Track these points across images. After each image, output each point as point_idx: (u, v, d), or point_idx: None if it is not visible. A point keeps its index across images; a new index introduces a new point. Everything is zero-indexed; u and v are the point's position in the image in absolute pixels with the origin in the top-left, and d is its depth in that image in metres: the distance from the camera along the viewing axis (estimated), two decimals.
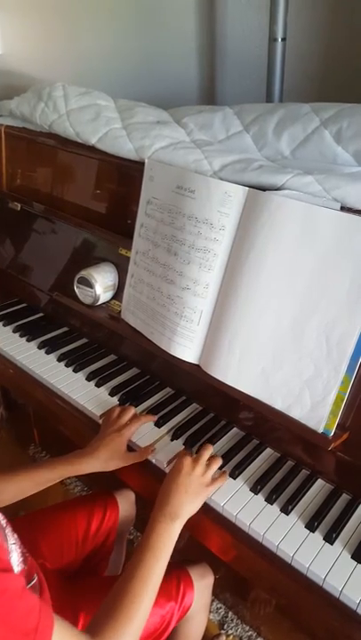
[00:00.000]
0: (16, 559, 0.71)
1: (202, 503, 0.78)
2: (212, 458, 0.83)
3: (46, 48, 1.73)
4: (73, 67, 1.67)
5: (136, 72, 1.54)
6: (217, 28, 1.36)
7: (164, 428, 0.95)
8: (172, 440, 0.92)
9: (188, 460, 0.79)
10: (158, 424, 0.95)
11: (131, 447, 0.91)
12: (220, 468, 0.85)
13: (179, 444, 0.92)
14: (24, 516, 0.99)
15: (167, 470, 0.87)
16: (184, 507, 0.75)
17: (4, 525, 0.67)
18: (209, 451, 0.83)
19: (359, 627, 0.67)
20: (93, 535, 0.98)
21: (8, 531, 0.68)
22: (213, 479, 0.80)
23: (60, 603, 0.79)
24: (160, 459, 0.88)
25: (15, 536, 0.71)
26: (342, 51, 1.17)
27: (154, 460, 0.88)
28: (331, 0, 1.14)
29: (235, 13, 1.31)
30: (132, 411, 0.94)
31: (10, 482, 0.83)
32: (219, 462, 0.83)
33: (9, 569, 0.58)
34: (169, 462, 0.87)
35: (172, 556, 0.73)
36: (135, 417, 0.93)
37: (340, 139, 0.87)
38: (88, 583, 0.91)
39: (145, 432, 0.93)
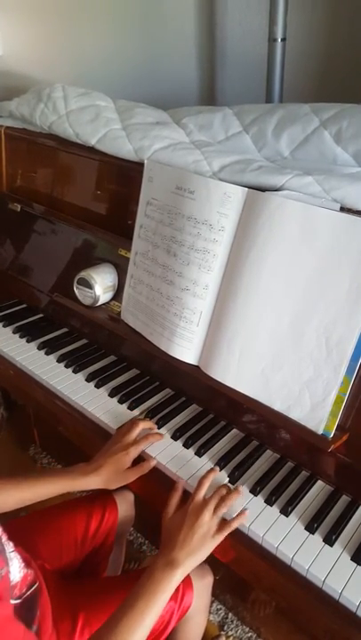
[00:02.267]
0: (17, 566, 0.71)
1: (209, 552, 0.74)
2: (225, 497, 0.77)
3: (46, 49, 1.73)
4: (73, 68, 1.67)
5: (136, 73, 1.54)
6: (217, 29, 1.36)
7: (164, 430, 0.94)
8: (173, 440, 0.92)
9: (194, 507, 0.75)
10: (158, 425, 0.95)
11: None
12: (221, 468, 0.85)
13: (179, 445, 0.91)
14: (23, 517, 0.99)
15: (168, 473, 0.87)
16: (186, 559, 0.71)
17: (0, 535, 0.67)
18: (220, 493, 0.78)
19: (359, 629, 0.67)
20: (92, 536, 0.98)
21: (4, 540, 0.68)
22: (222, 524, 0.75)
23: (59, 603, 0.79)
24: (160, 460, 0.88)
25: (11, 544, 0.71)
26: (342, 51, 1.17)
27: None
28: (330, 0, 1.14)
29: (234, 14, 1.31)
30: (141, 426, 0.91)
31: (12, 491, 0.82)
32: (230, 502, 0.77)
33: None
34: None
35: None
36: (144, 436, 0.90)
37: (340, 139, 0.86)
38: (87, 584, 0.91)
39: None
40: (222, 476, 0.85)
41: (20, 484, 0.83)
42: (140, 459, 0.89)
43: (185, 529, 0.73)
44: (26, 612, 0.70)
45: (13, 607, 0.65)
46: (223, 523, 0.75)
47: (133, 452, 0.87)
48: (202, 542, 0.73)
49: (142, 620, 0.65)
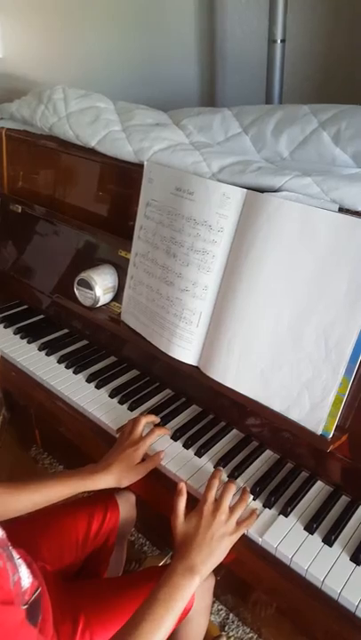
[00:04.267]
0: (25, 573, 0.70)
1: (226, 553, 0.73)
2: (238, 497, 0.78)
3: (47, 51, 1.74)
4: (74, 70, 1.68)
5: (137, 74, 1.54)
6: (217, 31, 1.37)
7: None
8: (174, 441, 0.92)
9: (208, 509, 0.74)
10: (159, 426, 0.95)
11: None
12: (225, 467, 0.85)
13: (179, 445, 0.91)
14: (24, 518, 0.99)
15: (168, 474, 0.87)
16: (206, 562, 0.70)
17: (8, 543, 0.67)
18: (231, 491, 0.77)
19: (358, 629, 0.67)
20: (94, 537, 0.98)
21: (11, 547, 0.68)
22: (239, 523, 0.75)
23: (60, 605, 0.80)
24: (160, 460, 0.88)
25: (14, 551, 0.71)
26: (341, 52, 1.17)
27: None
28: (330, 2, 1.15)
29: (234, 15, 1.32)
30: (143, 421, 0.91)
31: (22, 494, 0.82)
32: (245, 502, 0.77)
33: (9, 601, 0.56)
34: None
35: (172, 558, 0.72)
36: (151, 430, 0.90)
37: (339, 140, 0.87)
38: (88, 585, 0.91)
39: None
40: (222, 477, 0.85)
41: (29, 488, 0.83)
42: (146, 457, 0.89)
43: (202, 532, 0.72)
44: (30, 616, 0.70)
45: (25, 612, 0.66)
46: (238, 522, 0.75)
47: (143, 447, 0.87)
48: (220, 543, 0.72)
49: (161, 626, 0.64)
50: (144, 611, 0.65)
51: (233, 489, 0.78)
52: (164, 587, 0.68)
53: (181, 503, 0.78)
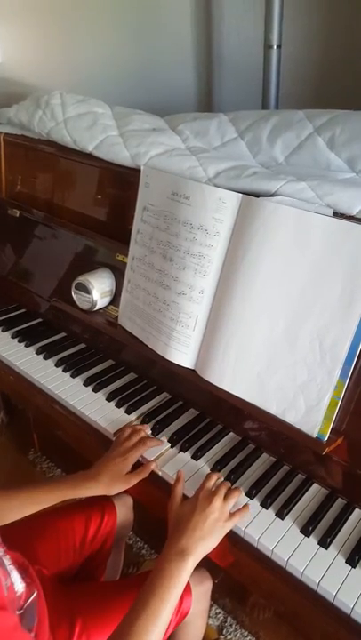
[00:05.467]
0: (18, 578, 0.70)
1: (218, 541, 0.73)
2: (231, 490, 0.79)
3: (45, 56, 1.75)
4: (72, 75, 1.69)
5: (134, 80, 1.55)
6: (214, 36, 1.38)
7: (161, 434, 0.95)
8: (171, 446, 0.93)
9: (204, 494, 0.76)
10: (155, 429, 0.95)
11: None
12: (217, 472, 0.85)
13: (175, 451, 0.92)
14: (21, 522, 0.99)
15: (164, 476, 0.87)
16: (198, 544, 0.70)
17: None
18: (227, 485, 0.80)
19: (353, 631, 0.67)
20: (91, 540, 0.98)
21: (2, 552, 0.68)
22: (232, 514, 0.76)
23: (56, 609, 0.80)
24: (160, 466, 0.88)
25: (8, 557, 0.71)
26: (337, 57, 1.18)
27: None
28: (326, 7, 1.16)
29: (231, 21, 1.33)
30: (141, 433, 0.92)
31: (13, 500, 0.82)
32: (238, 494, 0.78)
33: (1, 606, 0.56)
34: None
35: None
36: (142, 441, 0.91)
37: (334, 145, 0.87)
38: (84, 589, 0.91)
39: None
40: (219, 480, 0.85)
41: (20, 494, 0.83)
42: (139, 464, 0.89)
43: (196, 514, 0.73)
44: (26, 620, 0.70)
45: (19, 617, 0.66)
46: (232, 512, 0.76)
47: (131, 458, 0.88)
48: (213, 528, 0.72)
49: (158, 618, 0.63)
50: (138, 606, 0.64)
51: (228, 484, 0.80)
52: (157, 577, 0.67)
53: (178, 488, 0.80)
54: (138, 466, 0.89)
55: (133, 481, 0.86)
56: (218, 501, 0.75)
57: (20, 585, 0.69)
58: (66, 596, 0.84)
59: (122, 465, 0.87)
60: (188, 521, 0.73)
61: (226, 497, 0.77)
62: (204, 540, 0.71)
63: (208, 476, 0.81)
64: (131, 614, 0.64)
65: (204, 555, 0.71)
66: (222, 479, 0.84)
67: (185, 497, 0.80)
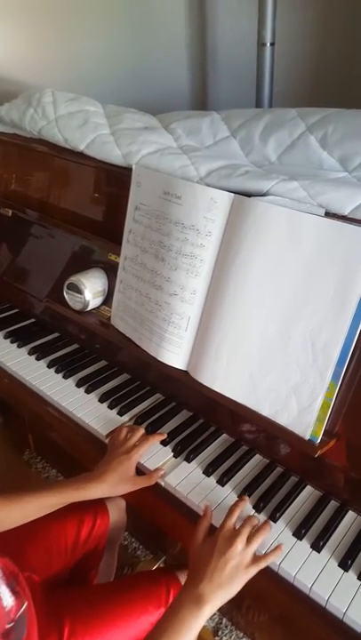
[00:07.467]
0: (7, 593, 0.68)
1: (240, 587, 0.67)
2: (258, 529, 0.72)
3: (38, 54, 1.74)
4: (65, 73, 1.68)
5: (128, 78, 1.54)
6: (208, 34, 1.37)
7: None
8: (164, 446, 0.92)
9: (224, 535, 0.69)
10: (148, 430, 0.95)
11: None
12: (210, 474, 0.84)
13: (167, 451, 0.91)
14: None
15: (166, 484, 0.86)
16: (216, 593, 0.65)
17: None
18: (253, 523, 0.72)
19: (346, 636, 0.66)
20: (83, 543, 0.98)
21: None
22: (258, 557, 0.69)
23: (46, 615, 0.79)
24: (149, 466, 0.87)
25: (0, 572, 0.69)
26: (331, 55, 1.17)
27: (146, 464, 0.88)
28: (319, 5, 1.15)
29: (225, 19, 1.32)
30: (140, 431, 0.91)
31: (15, 505, 0.79)
32: (264, 534, 0.71)
33: None
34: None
35: (165, 562, 0.70)
36: (144, 437, 0.89)
37: (326, 144, 0.86)
38: (76, 592, 0.90)
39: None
40: (211, 482, 0.84)
41: (22, 499, 0.80)
42: (137, 470, 0.87)
43: (215, 559, 0.67)
44: (16, 632, 0.69)
45: (10, 630, 0.64)
46: (257, 555, 0.70)
47: (135, 455, 0.86)
48: (234, 575, 0.67)
49: None
50: None
51: (255, 521, 0.73)
52: (170, 621, 0.64)
53: (203, 526, 0.74)
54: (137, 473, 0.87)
55: (140, 483, 0.84)
56: (239, 545, 0.68)
57: (9, 599, 0.68)
58: (55, 602, 0.83)
59: (127, 463, 0.84)
60: (207, 564, 0.67)
61: (251, 537, 0.70)
62: (223, 590, 0.66)
63: (231, 511, 0.73)
64: None
65: (222, 604, 0.66)
66: (250, 506, 0.78)
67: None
